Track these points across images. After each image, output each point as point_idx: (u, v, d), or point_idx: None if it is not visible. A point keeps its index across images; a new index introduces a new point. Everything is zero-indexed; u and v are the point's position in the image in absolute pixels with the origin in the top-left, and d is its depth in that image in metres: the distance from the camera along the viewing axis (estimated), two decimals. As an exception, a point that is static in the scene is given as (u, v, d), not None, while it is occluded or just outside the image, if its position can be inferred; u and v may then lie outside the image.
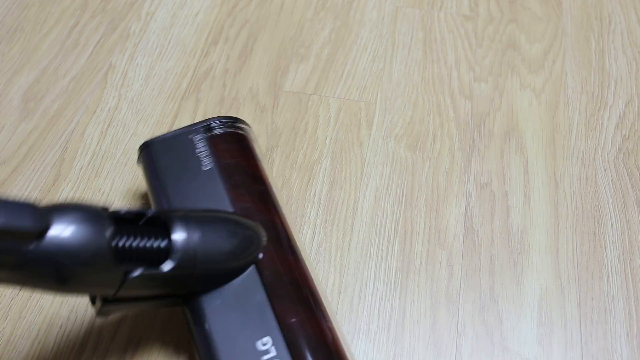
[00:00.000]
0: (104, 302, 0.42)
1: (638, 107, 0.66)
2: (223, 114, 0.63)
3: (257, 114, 0.64)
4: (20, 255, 0.35)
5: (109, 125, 0.63)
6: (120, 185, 0.59)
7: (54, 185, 0.59)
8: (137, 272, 0.40)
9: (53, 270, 0.37)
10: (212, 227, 0.45)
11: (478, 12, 0.74)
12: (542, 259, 0.55)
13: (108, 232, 0.39)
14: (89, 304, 0.51)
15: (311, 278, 0.47)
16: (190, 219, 0.44)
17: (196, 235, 0.43)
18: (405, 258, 0.55)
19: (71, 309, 0.51)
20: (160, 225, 0.43)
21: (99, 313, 0.43)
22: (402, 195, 0.59)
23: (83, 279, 0.38)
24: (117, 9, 0.74)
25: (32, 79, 0.67)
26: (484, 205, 0.58)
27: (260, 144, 0.62)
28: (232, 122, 0.55)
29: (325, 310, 0.46)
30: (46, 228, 0.36)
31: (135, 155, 0.61)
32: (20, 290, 0.52)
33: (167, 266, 0.41)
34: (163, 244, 0.42)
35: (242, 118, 0.58)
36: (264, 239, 0.47)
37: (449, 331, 0.51)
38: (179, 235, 0.42)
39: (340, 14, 0.74)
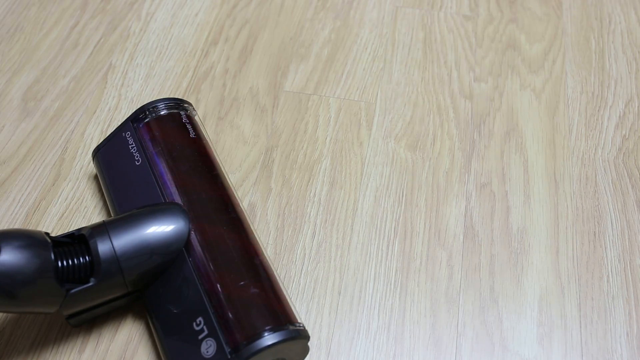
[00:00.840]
0: (68, 317, 0.47)
1: (638, 107, 0.66)
2: (171, 100, 0.58)
3: (257, 114, 0.64)
4: None
5: (109, 125, 0.63)
6: (120, 185, 0.59)
7: (54, 185, 0.59)
8: (74, 290, 0.44)
9: (2, 291, 0.41)
10: (130, 230, 0.46)
11: (478, 12, 0.74)
12: (542, 259, 0.55)
13: (51, 256, 0.43)
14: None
15: (248, 244, 0.48)
16: (107, 230, 0.46)
17: (115, 244, 0.45)
18: (405, 258, 0.55)
19: (71, 309, 0.51)
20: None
21: (71, 324, 0.48)
22: (402, 195, 0.59)
23: (28, 298, 0.42)
24: (117, 9, 0.74)
25: (32, 79, 0.67)
26: (484, 205, 0.58)
27: (260, 144, 0.62)
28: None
29: (265, 272, 0.46)
30: None
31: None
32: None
33: (93, 280, 0.45)
34: (88, 259, 0.45)
35: (183, 98, 0.59)
36: (187, 223, 0.48)
37: (449, 331, 0.51)
38: (96, 249, 0.45)
39: (340, 14, 0.74)
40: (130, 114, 0.64)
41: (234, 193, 0.52)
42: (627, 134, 0.63)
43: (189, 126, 0.54)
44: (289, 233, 0.56)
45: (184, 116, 0.55)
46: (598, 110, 0.65)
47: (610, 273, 0.54)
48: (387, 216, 0.57)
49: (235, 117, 0.64)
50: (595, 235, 0.56)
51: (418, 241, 0.56)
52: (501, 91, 0.67)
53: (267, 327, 0.43)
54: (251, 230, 0.50)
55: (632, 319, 0.52)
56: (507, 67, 0.69)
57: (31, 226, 0.56)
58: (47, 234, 0.45)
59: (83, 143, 0.62)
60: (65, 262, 0.44)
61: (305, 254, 0.55)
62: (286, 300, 0.46)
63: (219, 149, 0.61)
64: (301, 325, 0.45)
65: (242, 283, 0.45)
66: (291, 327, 0.44)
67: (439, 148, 0.62)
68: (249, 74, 0.68)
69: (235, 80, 0.67)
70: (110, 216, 0.54)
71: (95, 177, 0.59)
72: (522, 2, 0.75)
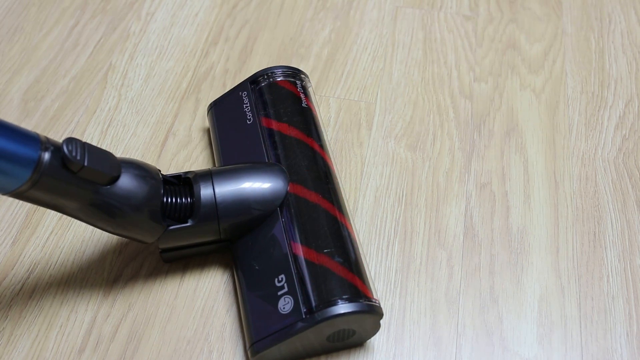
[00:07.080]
0: (162, 251, 0.51)
1: (638, 107, 0.66)
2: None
3: (257, 114, 0.64)
4: (96, 192, 0.44)
5: (109, 125, 0.63)
6: (120, 185, 0.59)
7: (54, 185, 0.59)
8: (173, 227, 0.48)
9: (115, 210, 0.45)
10: (233, 182, 0.50)
11: (478, 12, 0.74)
12: (542, 259, 0.55)
13: (161, 191, 0.47)
14: (88, 304, 0.51)
15: (340, 215, 0.50)
16: (212, 177, 0.49)
17: (216, 192, 0.49)
18: (405, 258, 0.55)
19: (71, 309, 0.51)
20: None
21: (163, 259, 0.52)
22: (402, 195, 0.59)
23: (133, 223, 0.46)
24: (117, 9, 0.74)
25: (32, 79, 0.67)
26: (484, 205, 0.58)
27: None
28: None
29: (351, 245, 0.48)
30: (118, 176, 0.44)
31: (134, 153, 0.61)
32: (20, 289, 0.52)
33: (190, 221, 0.48)
34: (189, 201, 0.49)
35: (294, 66, 0.61)
36: (286, 185, 0.50)
37: (449, 331, 0.51)
38: (199, 194, 0.48)
39: (340, 14, 0.74)
40: (130, 114, 0.64)
41: (334, 165, 0.54)
42: (627, 134, 0.63)
43: (302, 96, 0.57)
44: (289, 233, 0.56)
45: (299, 86, 0.58)
46: (598, 110, 0.65)
47: (610, 273, 0.54)
48: (387, 216, 0.57)
49: (235, 117, 0.64)
50: (595, 235, 0.56)
51: (418, 241, 0.56)
52: (501, 91, 0.67)
53: (343, 296, 0.44)
54: (344, 203, 0.51)
55: (632, 319, 0.52)
56: (507, 67, 0.69)
57: (31, 225, 0.56)
58: (159, 170, 0.48)
59: (83, 143, 0.62)
60: (170, 200, 0.48)
61: (305, 254, 0.55)
62: (366, 275, 0.47)
63: (219, 149, 0.61)
64: (376, 301, 0.46)
65: (327, 250, 0.47)
66: (366, 302, 0.45)
67: (439, 148, 0.62)
68: (249, 74, 0.67)
69: (235, 80, 0.67)
70: (215, 166, 0.58)
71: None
72: (522, 2, 0.75)
